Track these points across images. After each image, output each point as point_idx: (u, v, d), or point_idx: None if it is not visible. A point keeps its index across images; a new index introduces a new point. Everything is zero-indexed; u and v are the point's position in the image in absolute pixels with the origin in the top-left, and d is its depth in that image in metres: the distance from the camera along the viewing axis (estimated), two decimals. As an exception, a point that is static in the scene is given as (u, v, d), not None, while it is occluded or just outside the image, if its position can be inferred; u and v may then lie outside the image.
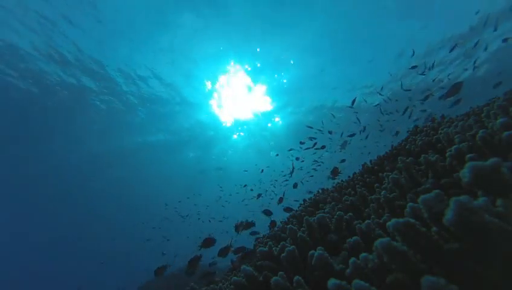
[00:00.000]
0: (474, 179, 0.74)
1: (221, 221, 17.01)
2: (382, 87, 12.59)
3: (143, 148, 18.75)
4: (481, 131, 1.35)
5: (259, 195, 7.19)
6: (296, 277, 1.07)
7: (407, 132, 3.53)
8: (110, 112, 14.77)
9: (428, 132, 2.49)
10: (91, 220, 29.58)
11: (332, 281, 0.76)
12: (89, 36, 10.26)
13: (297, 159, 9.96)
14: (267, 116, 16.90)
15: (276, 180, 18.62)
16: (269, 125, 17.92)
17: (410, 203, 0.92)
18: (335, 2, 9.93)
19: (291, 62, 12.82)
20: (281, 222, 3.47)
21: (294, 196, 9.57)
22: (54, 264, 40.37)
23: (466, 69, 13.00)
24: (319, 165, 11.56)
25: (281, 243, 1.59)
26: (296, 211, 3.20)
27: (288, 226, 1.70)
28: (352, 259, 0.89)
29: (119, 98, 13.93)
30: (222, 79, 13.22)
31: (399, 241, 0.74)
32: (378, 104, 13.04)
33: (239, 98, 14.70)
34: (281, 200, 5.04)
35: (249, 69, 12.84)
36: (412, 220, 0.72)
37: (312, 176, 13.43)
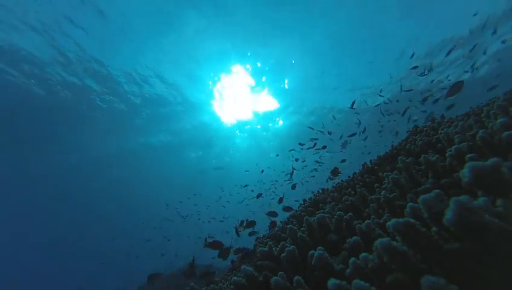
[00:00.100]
0: (474, 179, 0.74)
1: (222, 221, 17.03)
2: (381, 90, 12.65)
3: (145, 149, 18.80)
4: (481, 131, 1.35)
5: (259, 195, 7.20)
6: (296, 277, 1.07)
7: (407, 132, 3.53)
8: (112, 113, 14.77)
9: (428, 132, 2.49)
10: (92, 221, 29.63)
11: (332, 281, 0.76)
12: (92, 36, 10.25)
13: (296, 160, 9.97)
14: (269, 117, 16.94)
15: (276, 181, 18.67)
16: (270, 125, 17.96)
17: (410, 203, 0.92)
18: (337, 4, 9.94)
19: (293, 62, 12.84)
20: (281, 222, 3.47)
21: (295, 196, 9.57)
22: (54, 264, 40.40)
23: (466, 71, 13.03)
24: (320, 166, 11.59)
25: (281, 243, 1.59)
26: (296, 211, 3.20)
27: (288, 226, 1.69)
28: (352, 259, 0.89)
29: (121, 99, 13.94)
30: (224, 80, 13.23)
31: (399, 241, 0.74)
32: (378, 104, 13.06)
33: (241, 99, 14.73)
34: (281, 200, 5.04)
35: (251, 70, 12.87)
36: (412, 220, 0.72)
37: (313, 176, 13.46)
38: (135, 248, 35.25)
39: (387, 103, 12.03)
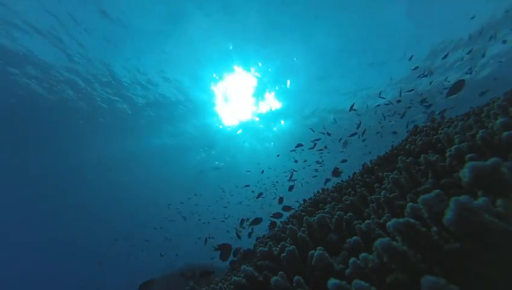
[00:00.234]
0: (474, 179, 0.74)
1: (223, 221, 17.07)
2: (380, 92, 12.72)
3: (147, 150, 18.83)
4: (481, 131, 1.34)
5: (260, 194, 7.22)
6: (296, 277, 1.07)
7: (407, 131, 3.53)
8: (115, 114, 14.76)
9: (428, 132, 2.48)
10: (93, 221, 29.64)
11: (332, 281, 0.76)
12: (95, 36, 10.23)
13: (296, 161, 10.01)
14: (271, 117, 16.99)
15: (277, 182, 18.72)
16: (272, 126, 18.02)
17: (410, 203, 0.92)
18: (340, 7, 9.96)
19: (295, 64, 12.86)
20: (281, 222, 3.47)
21: (295, 197, 9.57)
22: (55, 265, 40.40)
23: (467, 73, 13.07)
24: (321, 166, 11.61)
25: (281, 243, 1.59)
26: (296, 211, 3.20)
27: (288, 226, 1.69)
28: (352, 259, 0.89)
29: (124, 99, 13.94)
30: (227, 80, 13.26)
31: (399, 241, 0.74)
32: (378, 105, 13.10)
33: (243, 100, 14.78)
34: (281, 200, 5.04)
35: (254, 70, 12.91)
36: (412, 220, 0.72)
37: (316, 176, 13.47)
38: (136, 248, 35.27)
39: (388, 104, 12.07)
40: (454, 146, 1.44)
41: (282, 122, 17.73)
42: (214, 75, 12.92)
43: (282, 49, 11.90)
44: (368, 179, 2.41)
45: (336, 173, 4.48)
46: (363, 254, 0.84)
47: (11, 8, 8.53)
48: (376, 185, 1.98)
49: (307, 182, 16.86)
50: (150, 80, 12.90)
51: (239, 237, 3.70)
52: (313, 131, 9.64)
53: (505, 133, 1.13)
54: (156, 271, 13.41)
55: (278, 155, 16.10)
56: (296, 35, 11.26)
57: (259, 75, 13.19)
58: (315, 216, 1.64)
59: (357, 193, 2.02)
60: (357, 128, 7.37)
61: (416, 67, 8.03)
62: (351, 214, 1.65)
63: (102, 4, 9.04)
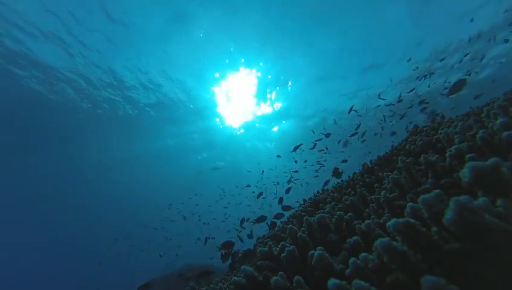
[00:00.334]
0: (474, 179, 0.74)
1: (224, 221, 17.11)
2: (380, 94, 12.77)
3: (148, 151, 18.87)
4: (481, 131, 1.34)
5: (260, 194, 7.23)
6: (296, 277, 1.07)
7: (407, 132, 3.53)
8: (116, 114, 14.76)
9: (428, 132, 2.48)
10: (94, 221, 29.66)
11: (332, 281, 0.76)
12: (97, 37, 10.20)
13: (295, 162, 10.04)
14: (272, 118, 17.05)
15: (278, 183, 18.77)
16: (273, 126, 18.09)
17: (410, 203, 0.92)
18: (344, 10, 9.98)
19: (297, 64, 12.91)
20: (281, 222, 3.47)
21: (296, 197, 9.58)
22: (55, 265, 40.41)
23: (466, 75, 13.11)
24: (322, 167, 11.64)
25: (281, 243, 1.59)
26: (296, 211, 3.20)
27: (288, 226, 1.69)
28: (352, 259, 0.89)
29: (126, 100, 13.95)
30: (229, 81, 13.29)
31: (399, 241, 0.74)
32: (379, 105, 13.14)
33: (245, 100, 14.84)
34: (281, 200, 5.04)
35: (256, 72, 12.96)
36: (412, 220, 0.72)
37: (317, 176, 13.49)
38: (136, 248, 35.29)
39: (389, 105, 12.13)
40: (454, 146, 1.44)
41: (283, 122, 17.78)
42: (217, 75, 12.93)
43: (283, 50, 11.93)
44: (367, 179, 2.41)
45: (336, 173, 4.47)
46: (363, 254, 0.84)
47: (11, 8, 8.53)
48: (376, 185, 1.98)
49: (307, 183, 16.87)
50: (152, 80, 12.89)
51: (241, 240, 3.69)
52: (313, 133, 9.71)
53: (505, 133, 1.13)
54: (156, 271, 13.42)
55: (279, 156, 16.17)
56: (297, 36, 11.29)
57: (260, 76, 13.22)
58: (315, 216, 1.64)
59: (357, 193, 2.02)
60: (356, 129, 7.39)
61: (417, 68, 8.06)
62: (351, 214, 1.65)
63: (104, 4, 9.04)
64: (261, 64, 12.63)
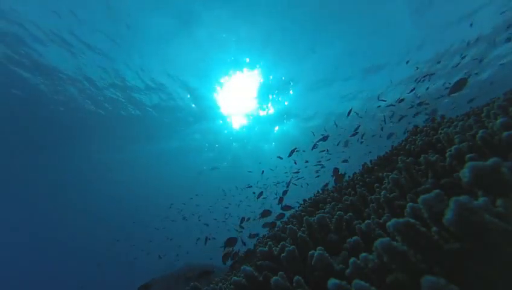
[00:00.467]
0: (474, 179, 0.74)
1: (224, 221, 17.14)
2: (379, 96, 12.84)
3: (150, 151, 18.90)
4: (481, 131, 1.34)
5: (260, 193, 7.21)
6: (296, 277, 1.06)
7: (407, 131, 3.53)
8: (119, 115, 14.77)
9: (428, 132, 2.48)
10: (94, 222, 29.67)
11: (332, 281, 0.76)
12: (101, 38, 10.18)
13: (295, 162, 10.11)
14: (273, 119, 17.11)
15: (278, 183, 18.81)
16: (273, 126, 18.10)
17: (410, 203, 0.92)
18: (346, 13, 10.02)
19: (299, 66, 12.95)
20: (281, 222, 3.47)
21: (296, 197, 9.58)
22: (55, 265, 40.40)
23: (470, 75, 13.13)
24: (322, 167, 11.66)
25: (281, 243, 1.59)
26: (296, 211, 3.20)
27: (288, 226, 1.69)
28: (352, 259, 0.89)
29: (130, 101, 13.97)
30: (232, 82, 13.31)
31: (399, 241, 0.74)
32: (379, 106, 13.18)
33: (247, 101, 14.90)
34: (281, 200, 5.04)
35: (259, 73, 13.00)
36: (412, 220, 0.72)
37: (318, 176, 13.51)
38: (136, 248, 35.30)
39: (389, 106, 12.20)
40: (454, 146, 1.44)
41: (285, 122, 17.84)
42: (219, 76, 12.96)
43: (285, 51, 11.99)
44: (368, 179, 2.41)
45: (336, 174, 4.41)
46: (363, 254, 0.84)
47: (14, 8, 8.52)
48: (376, 185, 1.98)
49: (307, 184, 16.89)
50: (155, 80, 12.90)
51: (244, 243, 3.68)
52: (314, 135, 9.81)
53: (505, 133, 1.13)
54: (156, 271, 13.43)
55: (281, 158, 16.21)
56: (299, 38, 11.36)
57: (263, 77, 13.29)
58: (315, 216, 1.64)
59: (357, 193, 2.02)
60: (356, 129, 7.40)
61: (417, 68, 8.11)
62: (351, 214, 1.65)
63: (108, 5, 9.02)
64: (261, 65, 12.67)
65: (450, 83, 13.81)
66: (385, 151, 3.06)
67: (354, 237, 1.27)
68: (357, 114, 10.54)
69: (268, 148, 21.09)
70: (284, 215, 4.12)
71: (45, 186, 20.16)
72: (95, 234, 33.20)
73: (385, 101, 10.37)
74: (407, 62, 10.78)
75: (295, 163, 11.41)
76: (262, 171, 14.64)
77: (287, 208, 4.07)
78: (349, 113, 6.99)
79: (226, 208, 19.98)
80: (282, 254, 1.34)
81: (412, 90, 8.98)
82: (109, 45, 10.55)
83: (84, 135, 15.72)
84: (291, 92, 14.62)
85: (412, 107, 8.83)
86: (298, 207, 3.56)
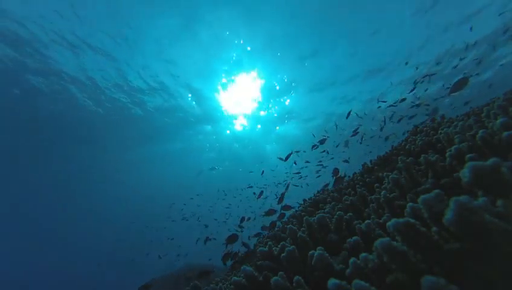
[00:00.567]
0: (474, 179, 0.74)
1: (224, 221, 17.16)
2: (378, 99, 12.88)
3: (153, 152, 18.95)
4: (481, 131, 1.34)
5: (260, 193, 7.21)
6: (296, 277, 1.06)
7: (407, 132, 3.52)
8: (122, 116, 14.77)
9: (428, 132, 2.48)
10: (95, 222, 29.70)
11: (332, 281, 0.76)
12: (105, 39, 10.18)
13: (295, 163, 10.16)
14: (275, 120, 17.15)
15: (279, 183, 18.85)
16: (274, 127, 18.16)
17: (410, 203, 0.92)
18: (348, 16, 10.03)
19: (301, 68, 12.98)
20: (281, 222, 3.47)
21: (296, 197, 9.59)
22: (56, 265, 40.43)
23: (471, 76, 13.15)
24: (323, 167, 11.70)
25: (281, 243, 1.59)
26: (296, 211, 3.20)
27: (288, 226, 1.69)
28: (352, 259, 0.89)
29: (134, 103, 13.99)
30: (235, 83, 13.35)
31: (399, 241, 0.74)
32: (379, 106, 13.20)
33: (250, 103, 14.96)
34: (281, 200, 5.03)
35: (261, 75, 13.06)
36: (412, 220, 0.72)
37: (319, 176, 13.55)
38: (136, 248, 35.31)
39: (390, 106, 12.23)
40: (454, 146, 1.44)
41: (286, 123, 17.89)
42: (223, 77, 12.99)
43: (288, 53, 12.04)
44: (368, 179, 2.41)
45: (336, 175, 4.39)
46: (363, 254, 0.84)
47: (15, 8, 8.52)
48: (376, 185, 1.98)
49: (308, 184, 16.91)
50: (159, 82, 12.91)
51: (246, 246, 3.67)
52: (314, 136, 9.87)
53: (505, 133, 1.13)
54: (156, 271, 13.43)
55: (283, 159, 16.24)
56: (302, 40, 11.41)
57: (264, 78, 13.37)
58: (315, 216, 1.64)
59: (357, 193, 2.02)
60: (356, 130, 7.42)
61: (417, 68, 8.13)
62: (351, 214, 1.65)
63: (112, 6, 9.02)
64: (263, 67, 12.73)
65: (450, 84, 13.84)
66: (385, 151, 3.06)
67: (354, 237, 1.27)
68: (357, 115, 10.55)
69: (270, 149, 21.14)
70: (284, 215, 4.12)
71: (49, 186, 20.19)
72: (95, 234, 33.21)
73: (385, 102, 10.37)
74: (406, 63, 10.82)
75: (295, 163, 11.47)
76: (262, 172, 14.67)
77: (287, 208, 4.07)
78: (348, 115, 7.00)
79: (227, 208, 20.00)
80: (282, 254, 1.34)
81: (412, 90, 8.97)
82: (112, 46, 10.56)
83: (91, 136, 15.76)
84: (292, 93, 14.66)
85: (412, 107, 8.85)
86: (298, 207, 3.56)
